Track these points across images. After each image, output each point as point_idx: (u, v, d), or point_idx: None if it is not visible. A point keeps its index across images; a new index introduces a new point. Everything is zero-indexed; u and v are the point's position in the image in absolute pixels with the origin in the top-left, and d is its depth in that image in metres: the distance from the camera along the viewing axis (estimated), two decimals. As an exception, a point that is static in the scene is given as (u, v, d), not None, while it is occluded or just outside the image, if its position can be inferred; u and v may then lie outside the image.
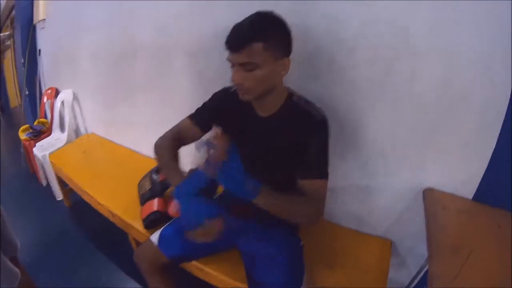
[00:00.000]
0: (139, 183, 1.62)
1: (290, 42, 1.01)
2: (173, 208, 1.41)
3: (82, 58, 2.45)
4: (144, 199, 1.49)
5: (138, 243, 1.56)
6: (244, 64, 0.94)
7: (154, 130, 2.03)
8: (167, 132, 1.23)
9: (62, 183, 2.37)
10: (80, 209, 2.38)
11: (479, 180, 1.16)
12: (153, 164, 1.98)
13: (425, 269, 1.33)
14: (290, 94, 1.10)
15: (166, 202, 1.46)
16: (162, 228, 1.27)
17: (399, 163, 1.30)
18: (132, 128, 2.30)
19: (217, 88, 1.57)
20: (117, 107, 2.35)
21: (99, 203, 1.73)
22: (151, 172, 1.59)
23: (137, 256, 1.26)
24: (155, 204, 1.42)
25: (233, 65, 0.98)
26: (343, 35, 1.22)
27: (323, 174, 1.05)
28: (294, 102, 1.08)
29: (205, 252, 1.25)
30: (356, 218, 1.47)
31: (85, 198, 1.90)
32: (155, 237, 1.24)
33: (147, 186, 1.53)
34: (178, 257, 1.21)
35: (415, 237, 1.35)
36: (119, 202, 1.66)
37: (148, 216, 1.40)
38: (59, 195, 2.56)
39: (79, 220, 2.36)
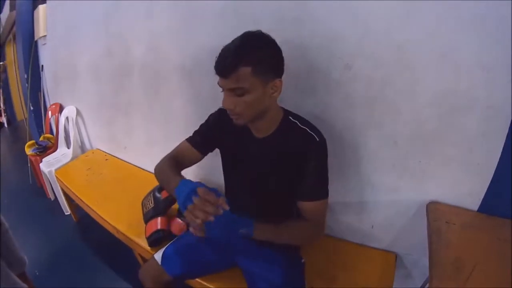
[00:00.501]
0: (142, 202, 1.63)
1: (280, 62, 0.98)
2: (177, 226, 1.43)
3: (82, 74, 2.50)
4: (148, 217, 1.51)
5: (144, 259, 1.58)
6: (234, 89, 0.93)
7: (154, 147, 2.11)
8: (166, 156, 1.22)
9: (69, 198, 2.40)
10: (87, 224, 2.42)
11: (485, 190, 1.11)
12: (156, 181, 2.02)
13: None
14: (286, 114, 1.09)
15: (169, 220, 1.48)
16: (165, 246, 1.29)
17: (402, 177, 1.26)
18: (133, 144, 2.33)
19: (214, 105, 1.55)
20: (117, 123, 2.39)
21: (105, 220, 1.75)
22: (153, 190, 1.61)
23: (141, 274, 1.28)
24: (158, 223, 1.44)
25: (223, 90, 0.98)
26: (338, 52, 1.20)
27: (323, 194, 1.05)
28: (291, 122, 1.07)
29: (207, 270, 1.26)
30: (360, 232, 1.45)
31: (91, 214, 1.92)
32: (158, 255, 1.26)
33: (150, 204, 1.54)
34: (181, 275, 1.23)
35: (421, 249, 1.27)
36: (124, 219, 1.69)
37: (152, 234, 1.41)
38: (66, 210, 2.60)
39: (86, 234, 2.40)
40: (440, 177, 1.19)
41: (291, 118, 1.08)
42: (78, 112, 2.78)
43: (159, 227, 1.42)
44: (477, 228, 1.10)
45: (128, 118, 2.23)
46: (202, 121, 1.65)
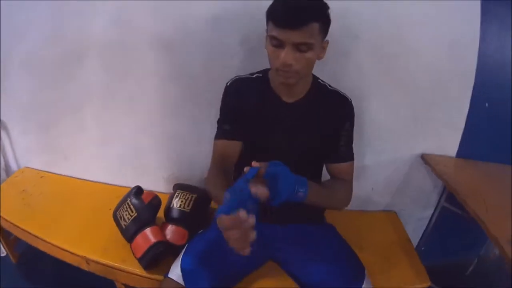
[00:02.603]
0: (115, 214, 1.28)
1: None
2: (176, 233, 1.15)
3: (11, 71, 1.91)
4: (131, 233, 1.19)
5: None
6: (300, 44, 0.85)
7: (111, 146, 1.74)
8: (210, 163, 1.08)
9: (3, 233, 1.85)
10: (30, 261, 1.94)
11: (458, 140, 1.48)
12: (114, 191, 1.69)
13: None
14: (315, 77, 1.09)
15: (161, 228, 1.20)
16: (180, 260, 1.05)
17: (400, 138, 1.50)
18: (79, 152, 1.90)
19: (200, 88, 1.45)
20: (58, 127, 1.88)
21: (64, 250, 1.37)
22: (127, 197, 1.27)
23: None
24: (150, 236, 1.14)
25: (280, 44, 0.87)
26: (350, 24, 1.27)
27: (353, 154, 1.12)
28: (321, 84, 1.08)
29: (240, 273, 1.09)
30: (358, 198, 1.52)
31: (40, 246, 1.50)
32: (174, 273, 1.01)
33: (129, 215, 1.21)
34: None
35: (413, 203, 1.57)
36: (93, 244, 1.33)
37: (147, 252, 1.11)
38: (1, 250, 2.04)
39: (33, 276, 1.89)
40: (428, 134, 1.49)
41: (320, 81, 1.10)
42: (2, 125, 2.18)
43: (153, 240, 1.12)
44: (464, 169, 1.44)
45: (76, 115, 1.77)
46: (188, 102, 1.50)
